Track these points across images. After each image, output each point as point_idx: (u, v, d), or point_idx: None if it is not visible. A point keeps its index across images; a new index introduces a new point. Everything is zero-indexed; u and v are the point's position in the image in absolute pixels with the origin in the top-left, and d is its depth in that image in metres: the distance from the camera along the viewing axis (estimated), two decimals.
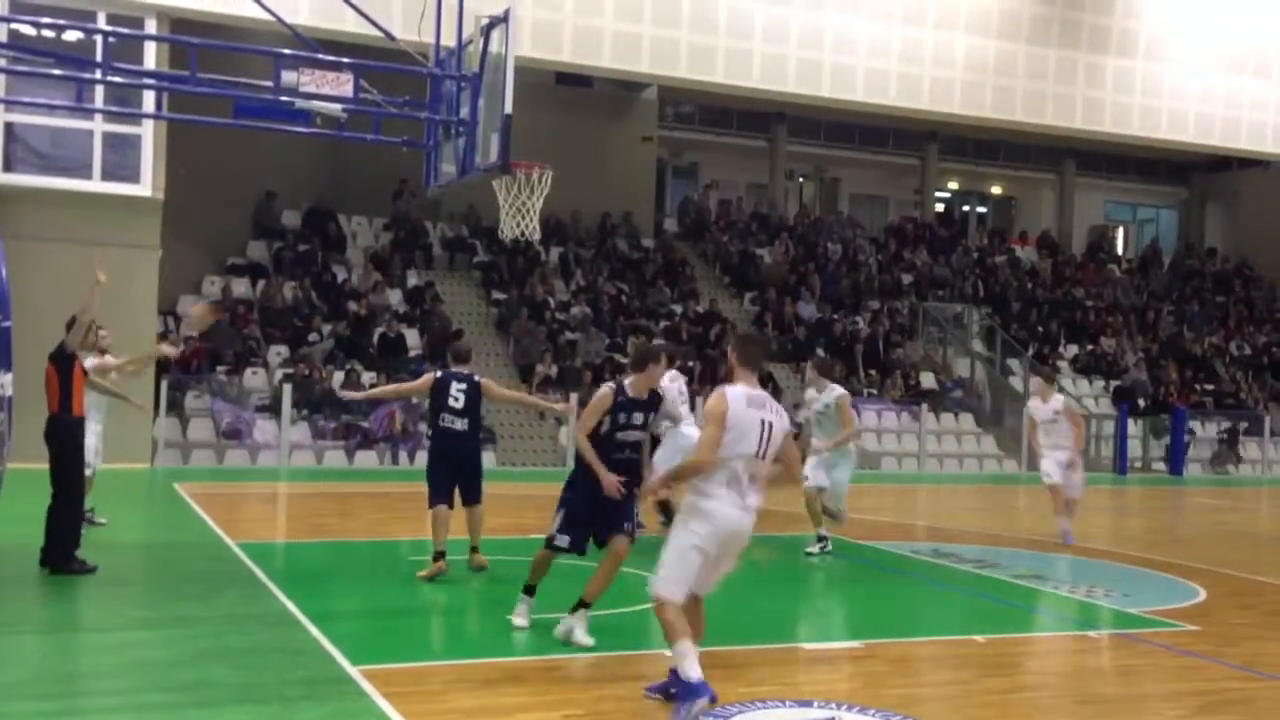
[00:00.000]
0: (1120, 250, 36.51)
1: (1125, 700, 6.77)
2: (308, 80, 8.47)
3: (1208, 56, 20.55)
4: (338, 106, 8.49)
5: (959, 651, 7.72)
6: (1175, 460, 24.34)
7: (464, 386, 9.24)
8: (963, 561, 11.11)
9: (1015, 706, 6.43)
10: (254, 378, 19.93)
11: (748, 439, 5.97)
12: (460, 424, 9.24)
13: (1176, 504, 19.27)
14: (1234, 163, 32.84)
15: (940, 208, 34.83)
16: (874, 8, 18.30)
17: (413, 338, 21.77)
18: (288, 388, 18.67)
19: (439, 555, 9.14)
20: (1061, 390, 13.29)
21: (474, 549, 9.55)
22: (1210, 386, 27.88)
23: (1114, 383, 26.90)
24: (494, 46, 8.70)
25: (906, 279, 28.63)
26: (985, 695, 6.66)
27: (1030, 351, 26.71)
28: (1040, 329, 28.22)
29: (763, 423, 6.04)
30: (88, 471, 9.80)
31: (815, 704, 6.13)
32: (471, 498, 9.45)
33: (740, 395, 6.12)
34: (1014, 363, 26.83)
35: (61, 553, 8.86)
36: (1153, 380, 27.25)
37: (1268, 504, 20.13)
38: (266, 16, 10.15)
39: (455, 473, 9.36)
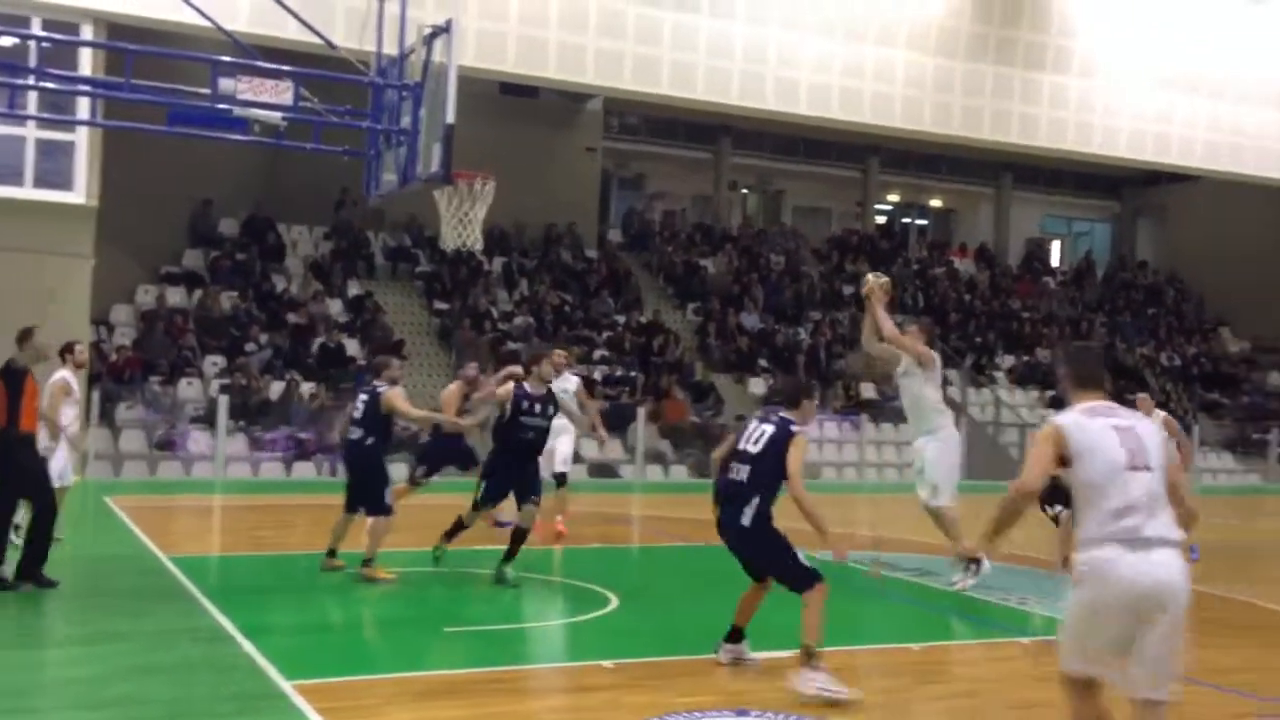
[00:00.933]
0: (1055, 262, 37.14)
1: (1054, 705, 6.84)
2: (246, 88, 8.39)
3: (1139, 74, 20.98)
4: (277, 114, 8.42)
5: (895, 659, 7.79)
6: None
7: (365, 397, 9.65)
8: (900, 570, 11.22)
9: (950, 714, 6.51)
10: (189, 388, 19.65)
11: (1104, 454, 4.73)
12: (357, 433, 9.58)
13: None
14: (1165, 177, 33.53)
15: (881, 220, 35.22)
16: (816, 24, 18.48)
17: (354, 348, 21.58)
18: (224, 398, 18.41)
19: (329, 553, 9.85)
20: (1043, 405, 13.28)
21: (364, 561, 9.57)
22: (1142, 396, 28.39)
23: (1049, 392, 27.30)
24: (436, 56, 8.68)
25: (848, 290, 28.87)
26: (920, 703, 6.73)
27: (968, 362, 27.05)
28: (978, 339, 28.60)
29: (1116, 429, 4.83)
30: (56, 484, 9.58)
31: (753, 713, 6.15)
32: (367, 509, 9.66)
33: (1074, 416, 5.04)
34: (953, 373, 27.13)
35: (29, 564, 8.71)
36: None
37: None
38: (205, 22, 10.03)
39: (352, 482, 9.75)
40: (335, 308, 22.63)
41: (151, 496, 15.41)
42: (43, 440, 9.58)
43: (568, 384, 11.92)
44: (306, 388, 19.80)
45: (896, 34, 19.10)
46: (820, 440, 23.67)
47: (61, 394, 10.09)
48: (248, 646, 7.16)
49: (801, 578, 6.72)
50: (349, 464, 9.91)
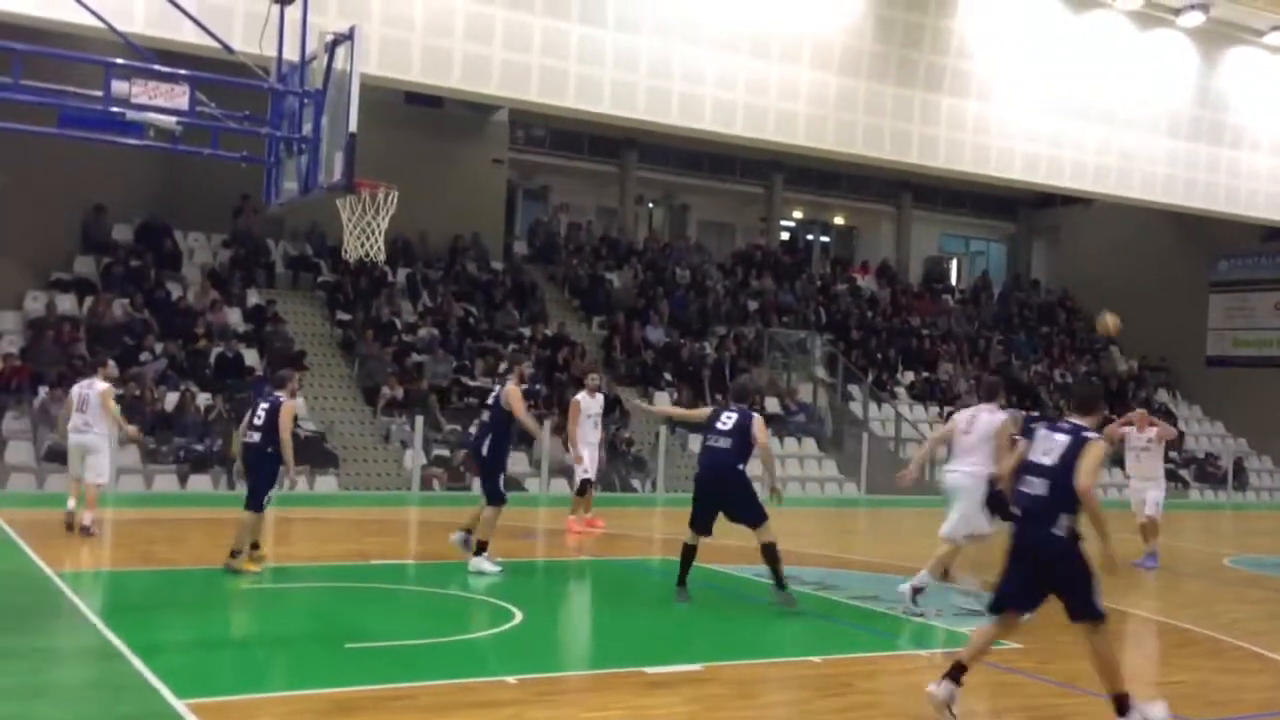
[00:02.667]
0: (954, 281, 38.00)
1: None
2: (140, 91, 8.16)
3: (1033, 98, 21.58)
4: (172, 119, 8.21)
5: (796, 673, 7.86)
6: None
7: (266, 406, 10.56)
8: (802, 584, 11.32)
9: None
10: None
11: None
12: (255, 437, 10.47)
13: (1003, 529, 20.04)
14: (1058, 199, 34.60)
15: (785, 236, 35.67)
16: (720, 40, 18.65)
17: (252, 358, 21.14)
18: (116, 409, 17.83)
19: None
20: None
21: (232, 553, 10.49)
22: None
23: (948, 409, 27.87)
24: (339, 63, 8.55)
25: (752, 305, 29.18)
26: (820, 715, 6.80)
27: (870, 378, 27.50)
28: (879, 355, 29.10)
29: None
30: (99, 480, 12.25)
31: None
32: (247, 504, 10.54)
33: None
34: (854, 388, 27.59)
35: None
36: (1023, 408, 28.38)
37: (1088, 527, 21.09)
38: (99, 23, 9.75)
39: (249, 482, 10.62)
40: (234, 317, 22.15)
41: (39, 510, 14.88)
42: None
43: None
44: (203, 399, 19.32)
45: (800, 52, 19.37)
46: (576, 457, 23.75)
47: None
48: (139, 665, 6.95)
49: (1093, 609, 6.50)
50: (248, 465, 10.62)
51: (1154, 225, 32.51)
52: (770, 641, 9.10)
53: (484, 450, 11.37)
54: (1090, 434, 6.48)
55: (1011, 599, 6.65)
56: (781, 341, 28.05)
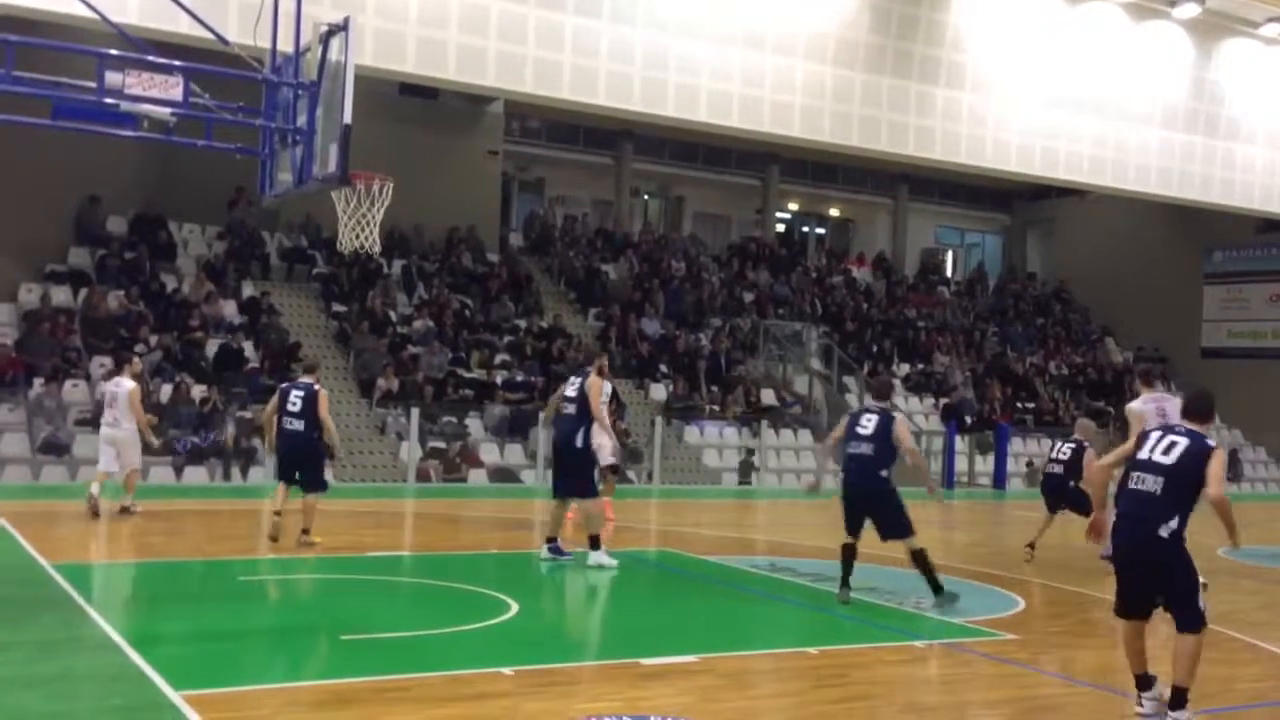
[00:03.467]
0: (949, 273, 38.01)
1: (948, 708, 7.01)
2: (134, 82, 8.13)
3: (1029, 90, 21.56)
4: (166, 110, 8.18)
5: (793, 664, 7.88)
6: (998, 475, 25.37)
7: (301, 394, 11.41)
8: (799, 575, 11.35)
9: (845, 716, 6.60)
10: (74, 390, 19.02)
11: None
12: (297, 424, 11.41)
13: (999, 518, 20.07)
14: (1053, 191, 34.59)
15: (781, 228, 35.66)
16: (716, 32, 18.61)
17: (248, 350, 21.11)
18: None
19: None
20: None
21: (304, 530, 11.44)
22: (1031, 405, 29.22)
23: (943, 400, 27.94)
24: (333, 54, 8.52)
25: (748, 297, 29.18)
26: (817, 706, 6.81)
27: (865, 369, 27.52)
28: (874, 347, 29.11)
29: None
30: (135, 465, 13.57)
31: (652, 718, 6.17)
32: (308, 488, 11.48)
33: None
34: (850, 380, 27.60)
35: None
36: (978, 398, 28.41)
37: (1082, 518, 21.13)
38: (92, 15, 9.72)
39: (293, 465, 11.58)
40: (229, 309, 22.12)
41: (34, 502, 14.88)
42: None
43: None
44: (198, 391, 19.30)
45: (795, 44, 19.34)
46: (720, 446, 23.86)
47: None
48: (134, 656, 6.95)
49: (1195, 617, 6.46)
50: (294, 453, 11.60)
51: (1149, 217, 32.52)
52: (768, 633, 9.12)
53: (578, 442, 11.10)
54: (1212, 441, 6.57)
55: (1131, 606, 6.68)
56: (777, 333, 28.06)
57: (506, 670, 7.01)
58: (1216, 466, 6.35)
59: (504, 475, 20.74)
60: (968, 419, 26.96)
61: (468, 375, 22.49)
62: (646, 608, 10.20)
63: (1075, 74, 21.97)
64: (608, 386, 14.61)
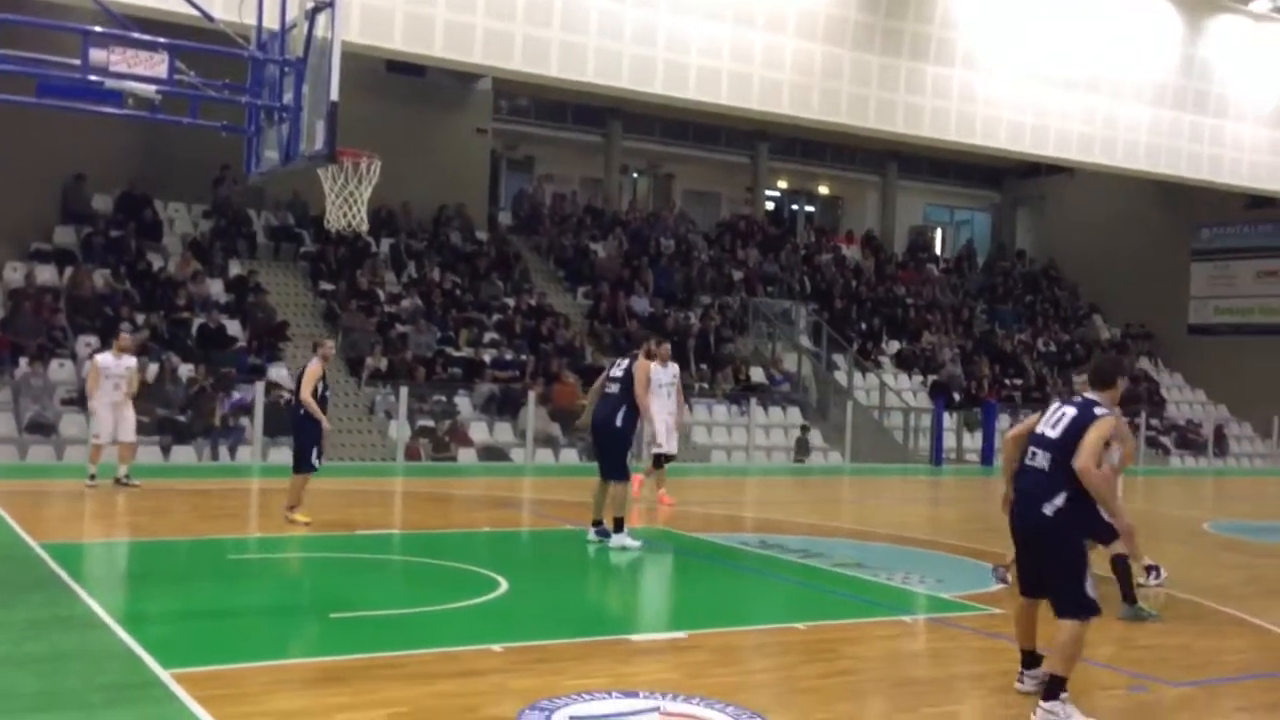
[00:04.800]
0: (938, 250, 38.04)
1: (936, 682, 7.06)
2: (119, 59, 8.06)
3: (1019, 68, 21.54)
4: (151, 88, 8.12)
5: (781, 639, 7.91)
6: (986, 451, 25.47)
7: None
8: (788, 551, 11.39)
9: (833, 691, 6.63)
10: (60, 370, 18.95)
11: None
12: (290, 397, 11.92)
13: (986, 494, 20.15)
14: (1042, 169, 34.62)
15: (770, 206, 35.63)
16: (705, 8, 18.54)
17: (235, 329, 21.05)
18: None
19: None
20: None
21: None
22: (1019, 381, 29.32)
23: (931, 377, 28.01)
24: (319, 31, 8.46)
25: (737, 275, 29.18)
26: (805, 680, 6.85)
27: (854, 347, 27.57)
28: (863, 325, 29.15)
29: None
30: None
31: (641, 694, 6.19)
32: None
33: None
34: (839, 358, 27.65)
35: None
36: (967, 375, 28.48)
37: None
38: None
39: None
40: (216, 288, 22.04)
41: (21, 481, 14.84)
42: None
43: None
44: (185, 370, 19.25)
45: (785, 21, 19.27)
46: (710, 423, 23.90)
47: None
48: (123, 635, 6.95)
49: (1075, 604, 6.07)
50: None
51: (1138, 194, 32.57)
52: (757, 609, 9.16)
53: (617, 422, 11.07)
54: (1100, 410, 6.15)
55: (1024, 585, 6.47)
56: (766, 311, 28.07)
57: (496, 647, 7.03)
58: (1093, 435, 5.98)
59: (493, 454, 20.74)
60: (956, 396, 27.05)
61: (456, 354, 22.46)
62: (636, 585, 10.24)
63: (1065, 51, 21.96)
64: (671, 368, 14.70)
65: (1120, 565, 8.92)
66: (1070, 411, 6.20)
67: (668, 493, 14.79)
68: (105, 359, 14.22)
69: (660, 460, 14.71)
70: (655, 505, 14.48)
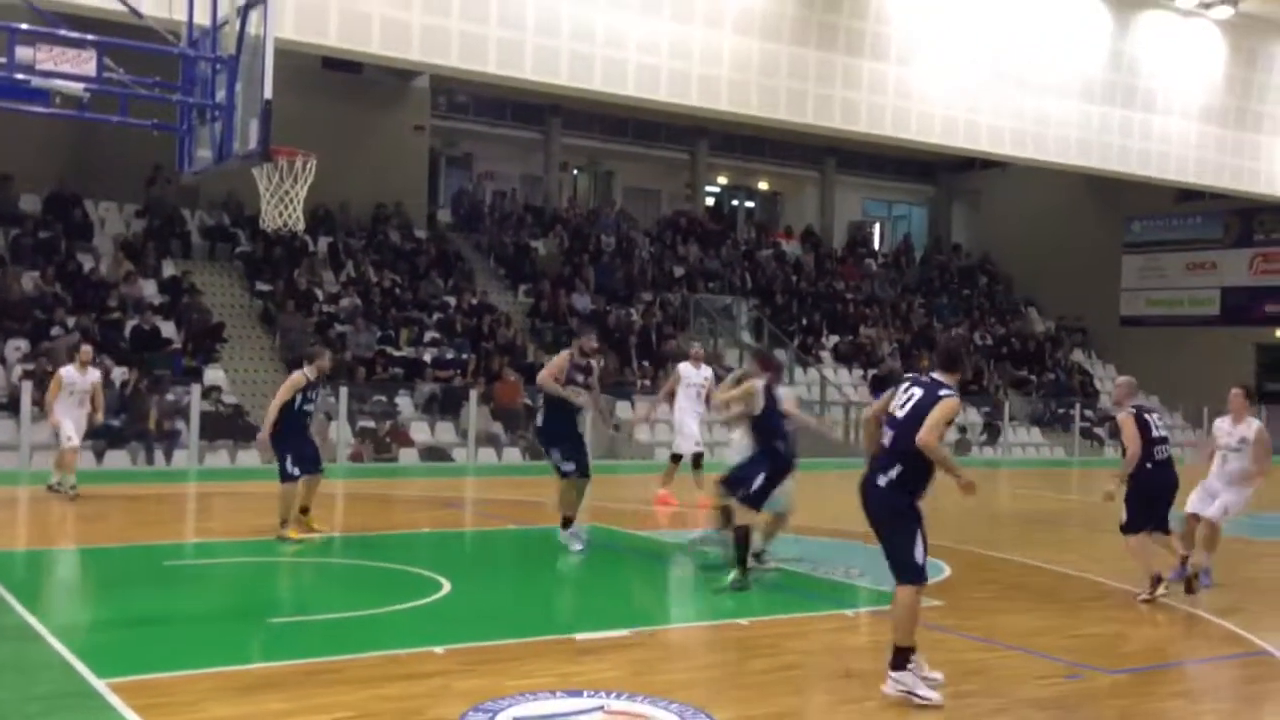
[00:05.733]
0: (877, 245, 38.40)
1: (877, 674, 7.11)
2: (45, 57, 7.90)
3: (952, 63, 21.78)
4: (79, 86, 7.96)
5: (724, 635, 7.95)
6: None
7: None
8: (729, 548, 11.41)
9: (777, 685, 6.68)
10: None
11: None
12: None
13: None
14: (977, 163, 35.07)
15: (711, 202, 35.74)
16: (642, 4, 18.53)
17: (169, 330, 20.71)
18: (28, 385, 17.41)
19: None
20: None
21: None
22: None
23: (871, 371, 28.27)
24: (252, 28, 8.34)
25: (678, 271, 29.24)
26: (748, 676, 6.88)
27: (795, 342, 27.74)
28: (804, 320, 29.35)
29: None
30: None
31: (585, 693, 6.19)
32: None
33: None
34: (781, 353, 27.78)
35: None
36: (906, 369, 28.77)
37: (1006, 484, 21.60)
38: None
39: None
40: (149, 289, 21.66)
41: None
42: None
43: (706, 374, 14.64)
44: (119, 372, 18.90)
45: (722, 17, 19.33)
46: (654, 421, 23.90)
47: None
48: (57, 645, 6.82)
49: (905, 568, 6.45)
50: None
51: (1069, 188, 33.11)
52: (700, 605, 9.19)
53: (538, 421, 11.06)
54: (945, 391, 6.46)
55: None
56: (708, 307, 28.16)
57: (438, 649, 6.99)
58: (936, 414, 6.31)
59: (435, 454, 20.60)
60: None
61: (397, 354, 22.28)
62: (579, 584, 10.22)
63: (997, 47, 22.25)
64: (703, 369, 14.89)
65: (740, 534, 9.25)
66: (917, 393, 6.52)
67: (671, 494, 14.55)
68: (69, 373, 13.76)
69: (697, 460, 14.52)
70: (692, 507, 14.31)
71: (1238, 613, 8.98)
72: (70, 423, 13.54)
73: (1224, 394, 10.48)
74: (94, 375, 14.00)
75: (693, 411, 14.44)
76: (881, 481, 6.46)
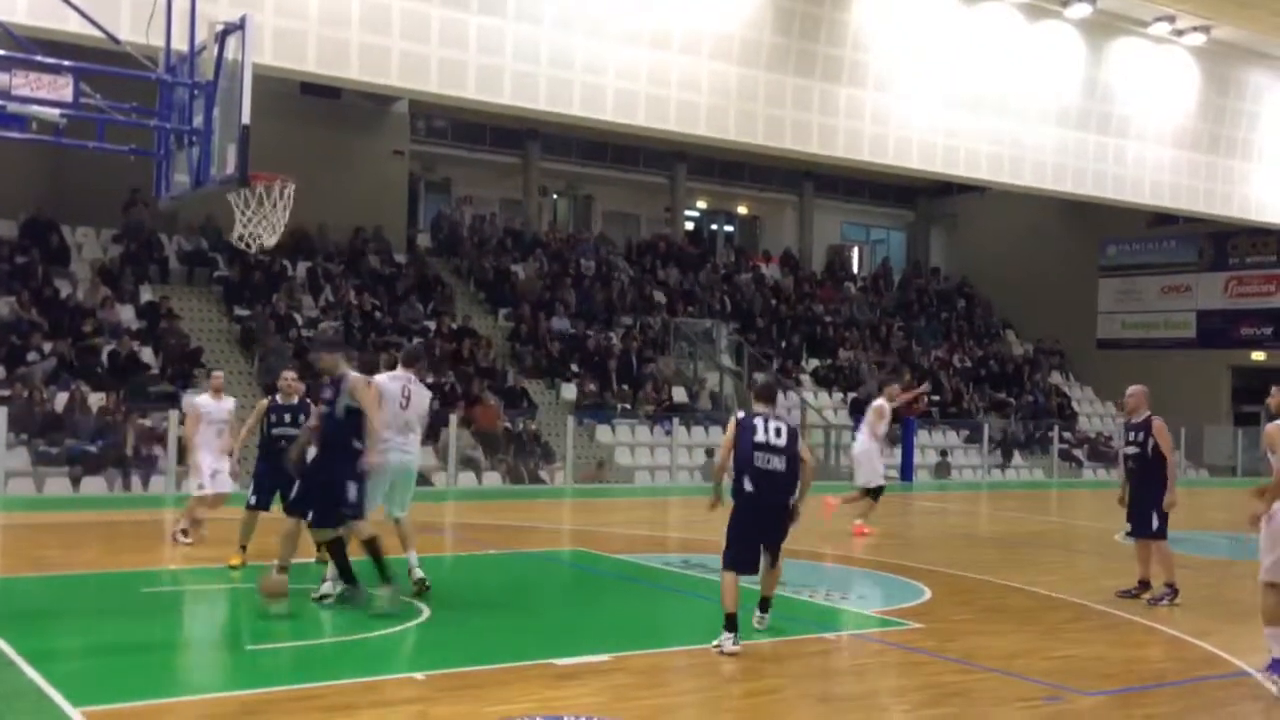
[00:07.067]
0: (855, 269, 38.59)
1: (858, 697, 7.13)
2: (22, 83, 7.89)
3: (929, 89, 21.96)
4: (55, 111, 7.95)
5: (705, 659, 7.92)
6: (905, 468, 25.82)
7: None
8: (711, 571, 11.39)
9: (757, 710, 6.66)
10: None
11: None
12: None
13: (906, 509, 20.43)
14: (955, 188, 35.33)
15: (690, 226, 35.85)
16: (622, 31, 18.63)
17: (147, 355, 20.59)
18: (3, 410, 17.27)
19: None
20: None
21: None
22: (936, 397, 29.79)
23: (851, 394, 28.35)
24: (230, 54, 8.36)
25: (658, 295, 29.29)
26: (729, 701, 6.87)
27: (775, 365, 27.80)
28: (784, 343, 29.42)
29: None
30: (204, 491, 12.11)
31: (566, 718, 6.16)
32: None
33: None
34: (760, 376, 27.84)
35: None
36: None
37: (986, 506, 21.67)
38: None
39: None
40: (127, 314, 21.55)
41: None
42: None
43: None
44: (95, 399, 18.77)
45: (701, 44, 19.45)
46: (633, 444, 23.92)
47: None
48: (32, 673, 6.74)
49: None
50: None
51: (1046, 212, 33.39)
52: (680, 629, 9.16)
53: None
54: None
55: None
56: (687, 331, 28.21)
57: (418, 675, 6.95)
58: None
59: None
60: None
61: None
62: (559, 608, 10.18)
63: (973, 73, 22.45)
64: (878, 402, 15.41)
65: (370, 547, 8.74)
66: (784, 425, 8.22)
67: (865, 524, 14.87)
68: (205, 402, 12.41)
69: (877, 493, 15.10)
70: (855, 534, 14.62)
71: (1216, 634, 9.02)
72: (211, 457, 12.17)
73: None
74: (229, 404, 12.61)
75: (880, 448, 15.34)
76: (791, 501, 8.24)
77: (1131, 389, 10.59)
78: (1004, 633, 8.97)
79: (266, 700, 6.43)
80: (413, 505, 10.60)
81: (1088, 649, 8.54)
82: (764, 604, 8.51)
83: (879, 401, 15.43)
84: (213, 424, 12.27)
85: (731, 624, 7.76)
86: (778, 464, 8.02)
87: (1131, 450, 10.50)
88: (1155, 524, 10.22)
